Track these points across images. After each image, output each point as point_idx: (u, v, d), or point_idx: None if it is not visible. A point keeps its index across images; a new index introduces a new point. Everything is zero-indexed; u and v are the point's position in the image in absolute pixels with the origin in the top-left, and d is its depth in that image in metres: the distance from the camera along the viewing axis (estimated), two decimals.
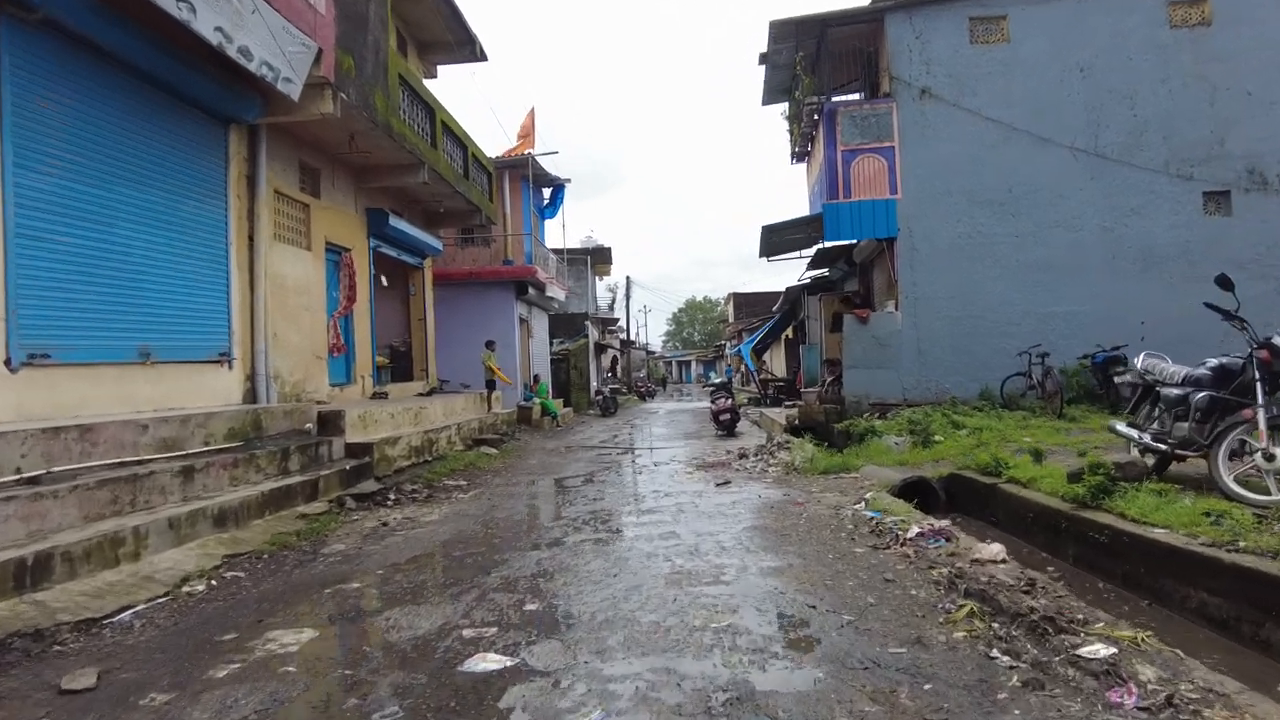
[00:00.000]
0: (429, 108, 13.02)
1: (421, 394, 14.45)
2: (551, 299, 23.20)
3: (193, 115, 8.43)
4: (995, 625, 3.75)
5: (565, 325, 31.12)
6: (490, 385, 15.43)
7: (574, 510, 7.84)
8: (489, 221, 17.43)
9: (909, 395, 13.73)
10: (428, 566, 5.67)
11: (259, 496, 6.73)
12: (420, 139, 12.37)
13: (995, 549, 5.02)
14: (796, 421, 13.93)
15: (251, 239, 9.54)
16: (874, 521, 6.38)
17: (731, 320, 53.98)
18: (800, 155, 17.65)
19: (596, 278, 42.58)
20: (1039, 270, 13.75)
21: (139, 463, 6.11)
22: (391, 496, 8.90)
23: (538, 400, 20.25)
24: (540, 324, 24.02)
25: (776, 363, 33.81)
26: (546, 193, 23.75)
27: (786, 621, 4.11)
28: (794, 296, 23.49)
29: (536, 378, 21.44)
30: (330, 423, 9.20)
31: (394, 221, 13.39)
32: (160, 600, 4.79)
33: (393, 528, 7.20)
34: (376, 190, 13.25)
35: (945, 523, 6.05)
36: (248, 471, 7.13)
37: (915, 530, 5.80)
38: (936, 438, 10.36)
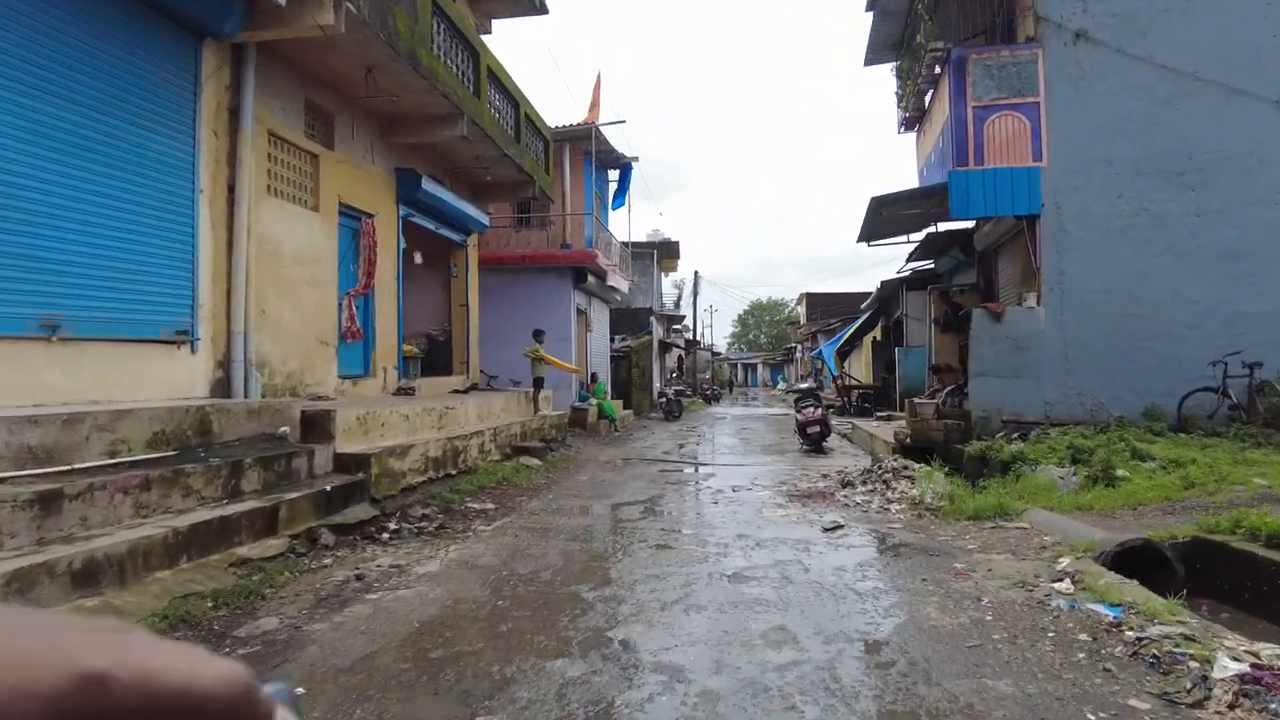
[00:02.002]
0: (472, 49, 10.88)
1: (458, 391, 12.35)
2: (613, 290, 20.94)
3: (147, 15, 6.39)
4: None
5: (628, 321, 28.86)
6: (538, 383, 13.22)
7: (627, 567, 5.47)
8: (544, 196, 15.25)
9: (1052, 411, 10.94)
10: (377, 680, 3.39)
11: (169, 536, 4.58)
12: (458, 83, 10.22)
13: None
14: (908, 439, 11.28)
15: (232, 188, 7.50)
16: (1123, 630, 3.84)
17: (803, 322, 50.94)
18: (911, 122, 14.91)
19: (663, 274, 40.27)
20: (1227, 259, 10.76)
21: None
22: (391, 526, 6.73)
23: (594, 401, 18.01)
24: (600, 317, 21.80)
25: (857, 368, 30.82)
26: (613, 177, 21.53)
27: None
28: (888, 293, 20.67)
29: (594, 376, 19.20)
30: (316, 426, 7.07)
31: (429, 186, 11.29)
32: None
33: (368, 584, 4.98)
34: (407, 147, 11.17)
35: (1273, 650, 3.46)
36: (169, 495, 5.01)
37: (1230, 667, 3.25)
38: (1119, 472, 7.64)
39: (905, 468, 9.41)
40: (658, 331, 32.69)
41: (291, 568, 5.24)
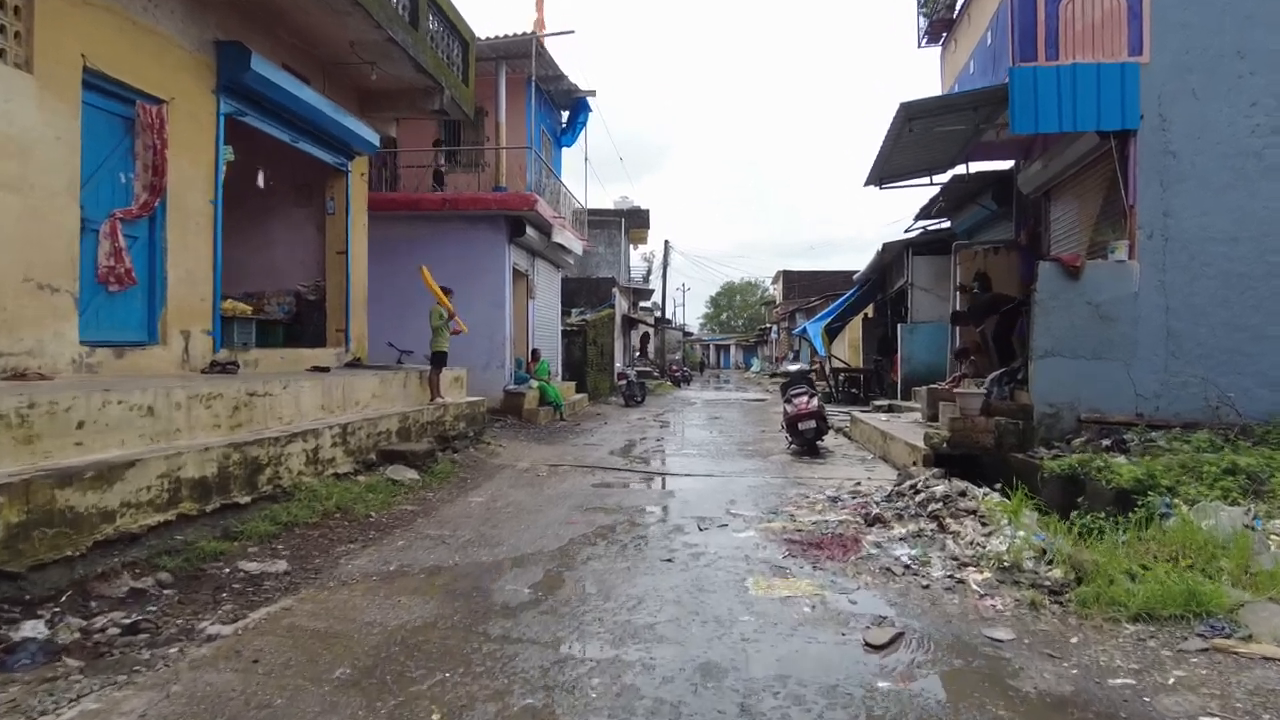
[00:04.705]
0: None
1: (319, 368, 8.86)
2: (564, 250, 17.39)
3: None
4: None
5: (589, 292, 25.43)
6: (437, 360, 9.74)
7: None
8: (462, 115, 11.74)
9: (1150, 407, 7.80)
10: None
11: None
12: None
13: None
14: (945, 444, 8.06)
15: None
16: None
17: (780, 301, 47.88)
18: (937, 29, 11.53)
19: (631, 246, 36.81)
20: None
21: None
22: (17, 637, 3.35)
23: (534, 384, 14.62)
24: (548, 283, 18.30)
25: (840, 348, 27.62)
26: (565, 117, 17.96)
27: None
28: (889, 261, 17.47)
29: (535, 353, 15.76)
30: None
31: (265, 70, 7.72)
32: None
33: None
34: (237, 11, 7.62)
35: None
36: None
37: None
38: None
39: (962, 493, 6.17)
40: (622, 306, 29.31)
41: None
